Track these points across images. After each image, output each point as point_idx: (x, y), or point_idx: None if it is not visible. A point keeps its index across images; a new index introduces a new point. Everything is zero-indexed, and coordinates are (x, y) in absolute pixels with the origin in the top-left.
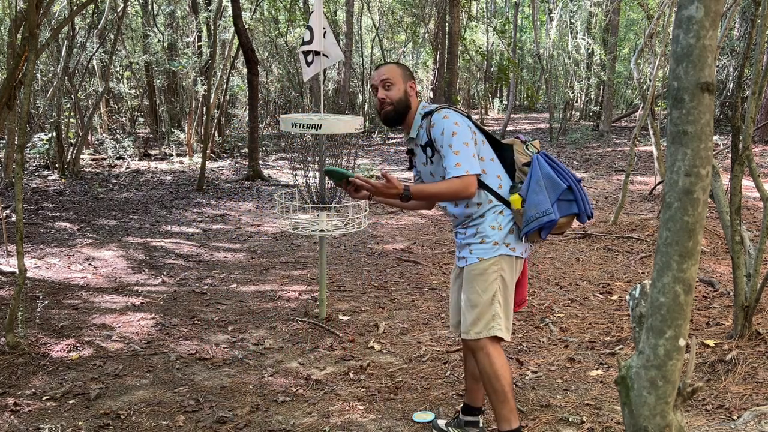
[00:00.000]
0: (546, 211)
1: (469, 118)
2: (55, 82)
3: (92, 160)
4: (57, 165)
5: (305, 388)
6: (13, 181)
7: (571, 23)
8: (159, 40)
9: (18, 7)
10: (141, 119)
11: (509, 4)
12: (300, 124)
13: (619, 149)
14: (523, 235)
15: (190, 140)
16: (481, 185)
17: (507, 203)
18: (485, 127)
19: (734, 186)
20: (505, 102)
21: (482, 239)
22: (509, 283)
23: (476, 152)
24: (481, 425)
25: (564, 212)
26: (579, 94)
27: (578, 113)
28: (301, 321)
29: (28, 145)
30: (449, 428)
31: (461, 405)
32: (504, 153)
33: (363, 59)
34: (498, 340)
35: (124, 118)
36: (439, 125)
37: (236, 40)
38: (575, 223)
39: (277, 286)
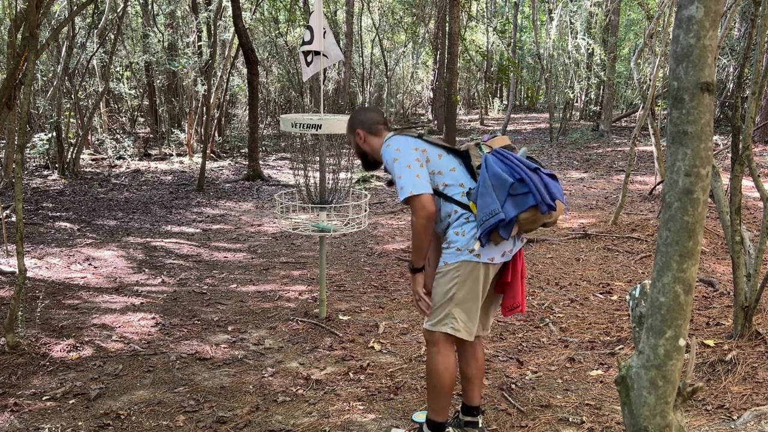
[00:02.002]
0: (493, 211)
1: (421, 136)
2: (55, 82)
3: (92, 160)
4: (57, 165)
5: (305, 388)
6: (13, 181)
7: (571, 23)
8: (159, 40)
9: (18, 7)
10: (141, 119)
11: (509, 4)
12: (300, 124)
13: (619, 149)
14: (477, 239)
15: (190, 140)
16: (446, 198)
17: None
18: (440, 143)
19: (734, 186)
20: (505, 102)
21: (448, 245)
22: (472, 288)
23: (423, 172)
24: (480, 425)
25: (521, 207)
26: (579, 94)
27: (578, 113)
28: (301, 321)
29: (28, 145)
30: (449, 428)
31: (460, 405)
32: (465, 160)
33: (363, 59)
34: (451, 339)
35: (124, 118)
36: (385, 156)
37: (236, 40)
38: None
39: (277, 286)
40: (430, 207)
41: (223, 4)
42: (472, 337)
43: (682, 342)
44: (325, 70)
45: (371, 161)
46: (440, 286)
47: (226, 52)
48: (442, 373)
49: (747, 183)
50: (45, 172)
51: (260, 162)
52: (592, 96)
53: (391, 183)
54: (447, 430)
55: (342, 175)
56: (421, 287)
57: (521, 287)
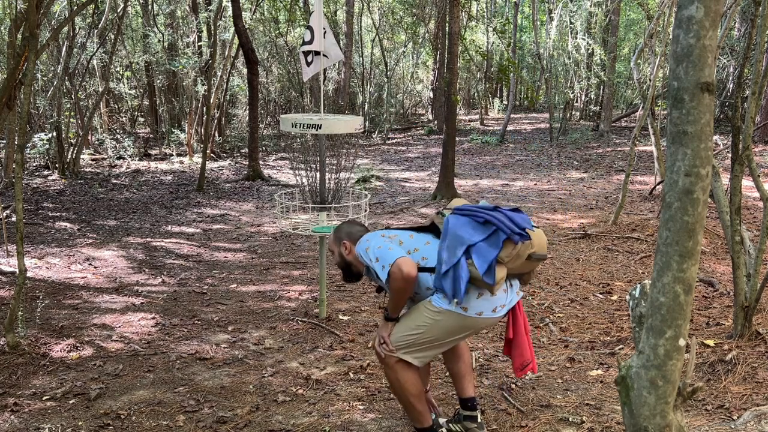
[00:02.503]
0: (454, 265)
1: (387, 228)
2: (55, 82)
3: (92, 160)
4: (57, 165)
5: (305, 388)
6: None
7: (571, 23)
8: (159, 40)
9: (18, 7)
10: (141, 119)
11: (509, 4)
12: (300, 124)
13: (619, 149)
14: (455, 301)
15: (190, 140)
16: (427, 270)
17: None
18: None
19: (734, 186)
20: (505, 102)
21: (438, 291)
22: (447, 334)
23: (395, 245)
24: (479, 420)
25: (497, 246)
26: (579, 94)
27: (578, 113)
28: (301, 321)
29: (28, 145)
30: (449, 424)
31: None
32: (435, 232)
33: (363, 59)
34: (408, 363)
35: (124, 118)
36: (361, 255)
37: (236, 40)
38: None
39: (277, 286)
40: (407, 269)
41: (223, 4)
42: (422, 365)
43: (682, 342)
44: (325, 70)
45: (354, 273)
46: (414, 316)
47: (226, 52)
48: (404, 385)
49: (747, 183)
50: (45, 172)
51: (260, 162)
52: (592, 96)
53: (380, 289)
54: (447, 426)
55: (342, 175)
56: (388, 334)
57: (528, 342)
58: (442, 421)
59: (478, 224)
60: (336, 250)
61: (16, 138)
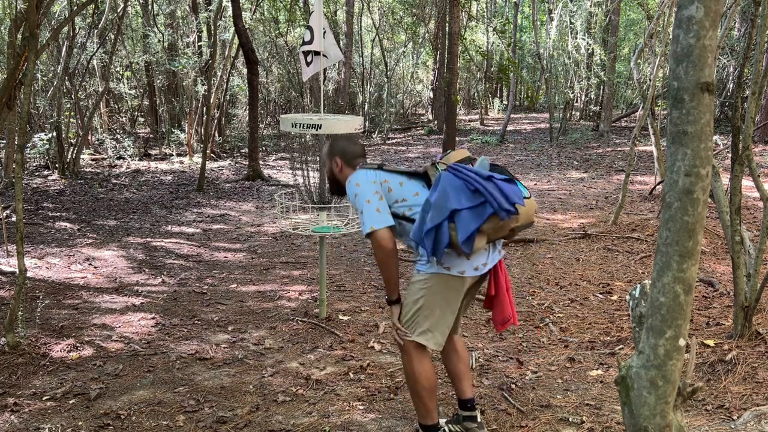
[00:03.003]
0: (436, 225)
1: (381, 167)
2: (55, 82)
3: (92, 160)
4: (57, 165)
5: (305, 388)
6: (13, 181)
7: (571, 23)
8: (159, 40)
9: (18, 7)
10: (141, 119)
11: (509, 4)
12: (300, 124)
13: (619, 149)
14: (434, 259)
15: (190, 140)
16: (412, 222)
17: None
18: (401, 170)
19: (734, 186)
20: (505, 102)
21: (421, 257)
22: (440, 299)
23: (383, 205)
24: (479, 420)
25: (481, 218)
26: (579, 94)
27: (578, 113)
28: (301, 321)
29: (28, 145)
30: (448, 425)
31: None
32: (427, 181)
33: (363, 59)
34: (424, 347)
35: (124, 118)
36: (348, 191)
37: (236, 40)
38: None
39: (277, 286)
40: (389, 242)
41: (223, 4)
42: (439, 347)
43: (682, 342)
44: (325, 70)
45: (340, 188)
46: (410, 294)
47: (226, 52)
48: (418, 378)
49: (747, 183)
50: (45, 172)
51: (260, 162)
52: (592, 96)
53: None
54: (442, 429)
55: None
56: (397, 317)
57: (509, 299)
58: (442, 421)
59: (469, 191)
60: (328, 165)
61: (16, 138)
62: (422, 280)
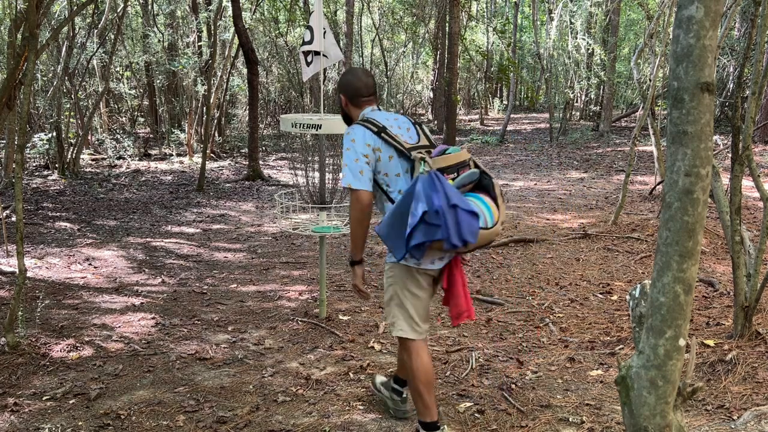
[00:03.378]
0: (400, 232)
1: (381, 131)
2: (55, 82)
3: (92, 160)
4: (57, 165)
5: (305, 388)
6: (13, 181)
7: (571, 23)
8: (159, 40)
9: (18, 7)
10: (141, 119)
11: (509, 4)
12: (300, 124)
13: (619, 149)
14: (390, 253)
15: (190, 140)
16: (386, 196)
17: None
18: (399, 143)
19: (734, 186)
20: (505, 102)
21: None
22: (405, 287)
23: (367, 169)
24: (404, 395)
25: (430, 237)
26: (579, 94)
27: (578, 113)
28: (301, 321)
29: (28, 145)
30: (382, 387)
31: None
32: (412, 168)
33: (363, 59)
34: (419, 348)
35: (124, 118)
36: (344, 139)
37: (236, 40)
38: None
39: (277, 286)
40: (366, 203)
41: (223, 4)
42: (421, 335)
43: (682, 342)
44: (325, 70)
45: (350, 122)
46: (385, 291)
47: (226, 52)
48: (416, 372)
49: (747, 183)
50: (45, 172)
51: (260, 162)
52: (592, 96)
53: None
54: (379, 387)
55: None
56: (360, 280)
57: (464, 293)
58: (379, 380)
59: (432, 210)
60: (338, 97)
61: (16, 138)
62: (388, 269)
